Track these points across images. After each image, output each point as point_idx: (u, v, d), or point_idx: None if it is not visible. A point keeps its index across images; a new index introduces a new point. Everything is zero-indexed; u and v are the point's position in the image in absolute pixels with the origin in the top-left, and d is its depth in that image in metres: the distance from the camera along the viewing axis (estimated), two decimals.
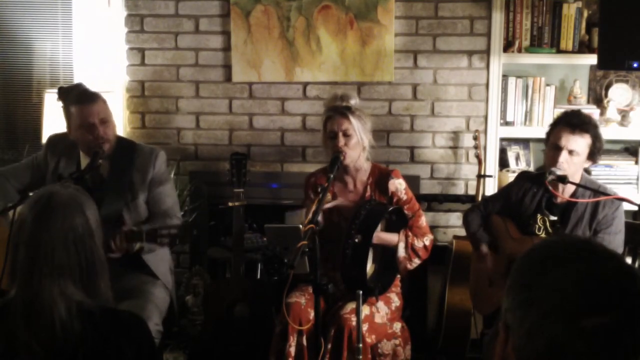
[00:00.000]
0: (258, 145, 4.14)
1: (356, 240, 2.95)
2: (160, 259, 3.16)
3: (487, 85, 3.98)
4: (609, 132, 3.81)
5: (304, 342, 2.99)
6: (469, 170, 4.04)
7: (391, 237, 3.14)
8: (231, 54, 4.06)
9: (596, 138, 2.99)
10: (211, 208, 4.04)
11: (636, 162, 3.95)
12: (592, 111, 3.84)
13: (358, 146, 3.13)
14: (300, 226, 2.57)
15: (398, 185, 3.19)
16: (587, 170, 3.20)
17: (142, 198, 3.15)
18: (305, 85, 4.07)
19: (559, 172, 2.99)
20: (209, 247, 4.01)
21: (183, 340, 3.84)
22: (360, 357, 2.58)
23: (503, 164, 4.06)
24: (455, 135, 4.03)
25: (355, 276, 2.98)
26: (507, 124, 4.01)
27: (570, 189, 3.06)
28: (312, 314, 2.90)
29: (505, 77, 3.98)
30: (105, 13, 4.08)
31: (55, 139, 3.26)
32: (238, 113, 4.14)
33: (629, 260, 3.27)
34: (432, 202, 4.06)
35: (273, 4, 3.99)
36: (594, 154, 3.01)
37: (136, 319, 1.91)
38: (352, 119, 3.10)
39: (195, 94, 4.15)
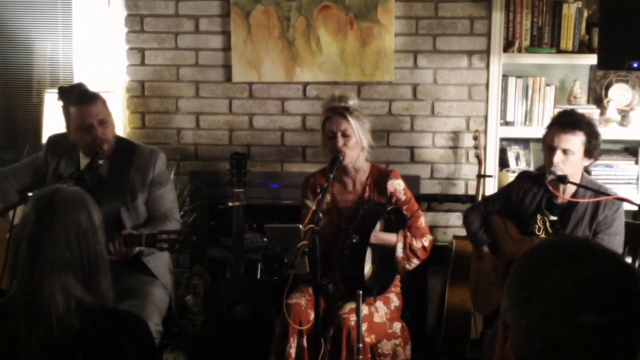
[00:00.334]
0: (258, 145, 4.14)
1: (354, 240, 2.95)
2: (159, 260, 3.17)
3: (487, 85, 3.98)
4: (609, 132, 3.81)
5: (305, 343, 2.99)
6: (469, 170, 4.04)
7: (390, 237, 3.14)
8: (231, 54, 4.06)
9: (591, 135, 2.98)
10: (211, 208, 4.04)
11: (636, 162, 3.95)
12: (592, 111, 3.84)
13: (357, 146, 3.13)
14: (300, 226, 2.57)
15: (397, 185, 3.19)
16: (587, 170, 3.19)
17: (141, 199, 3.15)
18: (305, 85, 4.07)
19: (558, 172, 2.99)
20: (209, 247, 4.01)
21: (183, 340, 3.84)
22: (360, 357, 2.58)
23: (503, 164, 4.06)
24: (455, 135, 4.04)
25: (353, 276, 2.98)
26: (507, 124, 4.01)
27: (570, 189, 3.06)
28: (312, 315, 2.90)
29: (505, 77, 3.98)
30: (105, 13, 4.08)
31: (55, 139, 3.26)
32: (238, 113, 4.14)
33: (629, 260, 3.27)
34: (432, 202, 4.06)
35: (273, 4, 3.99)
36: (590, 152, 3.00)
37: (136, 318, 1.91)
38: (350, 119, 3.10)
39: (195, 94, 4.15)
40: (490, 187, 3.96)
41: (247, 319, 3.39)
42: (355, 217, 3.00)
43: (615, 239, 3.00)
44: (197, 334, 3.78)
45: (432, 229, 3.92)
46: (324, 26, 3.99)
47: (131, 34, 4.13)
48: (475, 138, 3.86)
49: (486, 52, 3.96)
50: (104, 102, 3.10)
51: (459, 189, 4.07)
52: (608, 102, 3.95)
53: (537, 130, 3.94)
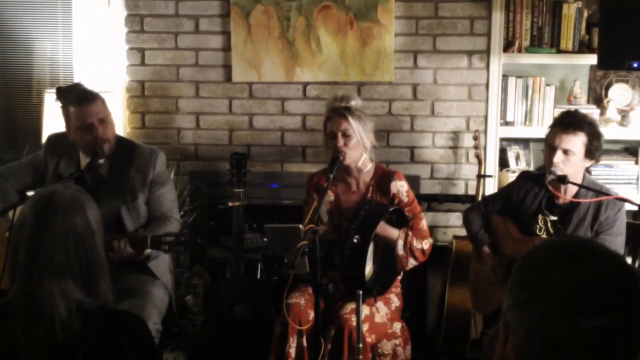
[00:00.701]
0: (258, 145, 4.14)
1: (355, 240, 2.95)
2: (159, 260, 3.16)
3: (487, 85, 3.98)
4: (609, 132, 3.81)
5: (304, 342, 2.99)
6: (469, 170, 4.04)
7: (393, 232, 3.13)
8: (231, 54, 4.06)
9: (592, 136, 2.97)
10: (211, 208, 4.04)
11: (636, 162, 3.95)
12: (592, 111, 3.84)
13: (358, 146, 3.12)
14: (300, 226, 2.57)
15: (400, 187, 3.18)
16: (587, 171, 3.19)
17: (141, 199, 3.15)
18: (305, 85, 4.07)
19: (558, 172, 2.99)
20: (209, 247, 4.01)
21: (183, 340, 3.84)
22: (360, 357, 2.58)
23: (503, 164, 4.06)
24: (455, 135, 4.04)
25: (353, 277, 2.98)
26: (507, 124, 4.01)
27: (572, 190, 3.06)
28: (312, 315, 2.90)
29: (505, 77, 3.98)
30: (105, 13, 4.08)
31: (54, 138, 3.26)
32: (238, 113, 4.14)
33: (629, 260, 3.27)
34: (432, 202, 4.06)
35: (273, 4, 3.99)
36: (591, 153, 2.99)
37: (136, 318, 1.91)
38: (351, 119, 3.09)
39: (195, 94, 4.14)
40: (490, 187, 3.96)
41: (247, 319, 3.39)
42: (357, 218, 3.00)
43: (616, 240, 2.99)
44: (197, 334, 3.78)
45: (432, 229, 3.92)
46: (324, 26, 3.99)
47: (131, 34, 4.13)
48: (475, 138, 3.86)
49: (486, 52, 3.96)
50: (103, 101, 3.10)
51: (459, 189, 4.07)
52: (608, 102, 3.95)
53: (537, 130, 3.96)
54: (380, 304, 3.12)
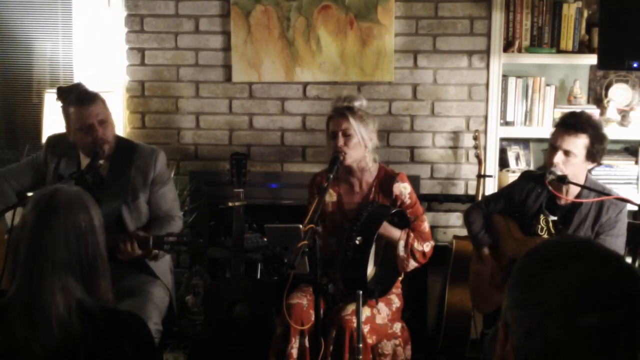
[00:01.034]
0: (258, 145, 4.14)
1: (357, 242, 2.95)
2: (160, 259, 3.16)
3: (487, 85, 3.98)
4: (609, 132, 3.77)
5: (306, 343, 2.99)
6: (469, 170, 4.04)
7: (395, 232, 3.12)
8: (231, 54, 4.06)
9: (594, 138, 2.95)
10: (211, 208, 4.04)
11: (636, 162, 3.95)
12: (592, 111, 3.84)
13: (359, 147, 3.12)
14: (300, 226, 2.57)
15: (402, 189, 3.18)
16: (588, 171, 3.18)
17: (143, 199, 3.16)
18: (305, 85, 4.07)
19: (558, 172, 2.99)
20: (209, 247, 4.01)
21: (183, 340, 3.84)
22: (360, 357, 2.58)
23: (503, 164, 4.06)
24: (455, 135, 4.04)
25: (355, 278, 2.98)
26: (507, 124, 4.01)
27: (574, 190, 3.05)
28: (313, 315, 2.90)
29: (505, 77, 3.98)
30: (105, 13, 4.08)
31: (54, 139, 3.26)
32: (238, 113, 4.14)
33: (629, 260, 3.27)
34: (432, 202, 4.06)
35: (273, 4, 3.99)
36: (593, 155, 2.97)
37: (136, 318, 1.91)
38: (352, 119, 3.09)
39: (195, 94, 4.14)
40: (490, 187, 3.96)
41: (247, 319, 3.39)
42: (359, 219, 3.00)
43: (617, 241, 2.99)
44: (197, 334, 3.78)
45: (432, 229, 3.91)
46: (324, 26, 3.99)
47: (131, 34, 4.13)
48: (475, 138, 3.86)
49: (486, 52, 3.96)
50: (103, 101, 3.10)
51: (459, 189, 4.07)
52: (608, 102, 3.95)
53: (537, 130, 3.96)
54: (381, 305, 3.11)
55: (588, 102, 4.03)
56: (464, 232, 3.94)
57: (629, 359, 1.00)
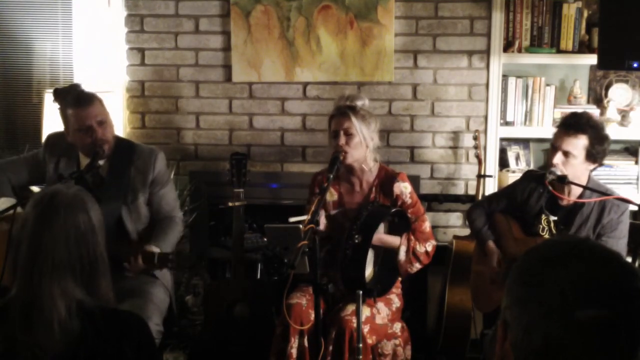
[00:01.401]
0: (258, 145, 4.14)
1: (356, 240, 2.95)
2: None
3: (487, 85, 3.98)
4: (609, 132, 3.79)
5: (305, 343, 2.99)
6: (469, 170, 4.04)
7: (393, 240, 3.14)
8: (231, 54, 4.06)
9: (595, 139, 2.94)
10: (211, 208, 4.04)
11: (636, 162, 3.95)
12: (592, 111, 3.83)
13: (361, 146, 3.12)
14: (300, 226, 2.57)
15: (403, 188, 3.18)
16: None
17: (142, 199, 3.15)
18: (305, 85, 4.07)
19: (558, 172, 2.99)
20: (209, 247, 4.01)
21: (183, 340, 3.84)
22: (360, 357, 2.58)
23: (503, 164, 4.06)
24: (455, 135, 4.03)
25: (354, 277, 2.98)
26: (507, 124, 4.01)
27: (576, 191, 3.05)
28: (313, 315, 2.90)
29: (505, 77, 3.98)
30: (105, 13, 4.08)
31: (53, 138, 3.25)
32: (238, 113, 4.14)
33: (629, 259, 3.26)
34: (432, 202, 4.06)
35: (273, 4, 3.99)
36: (593, 156, 2.96)
37: (136, 319, 1.91)
38: (354, 118, 3.10)
39: (195, 94, 4.14)
40: (490, 187, 3.96)
41: (247, 319, 3.39)
42: (359, 218, 3.00)
43: (618, 243, 2.99)
44: (197, 334, 3.78)
45: (432, 229, 3.91)
46: (324, 26, 3.99)
47: (131, 34, 4.13)
48: (475, 138, 3.86)
49: (486, 52, 3.96)
50: (101, 102, 3.09)
51: (459, 189, 4.07)
52: (608, 102, 3.95)
53: (537, 130, 3.96)
54: (381, 305, 3.11)
55: (588, 102, 4.03)
56: (464, 232, 3.95)
57: (628, 357, 1.00)
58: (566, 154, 2.96)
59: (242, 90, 4.11)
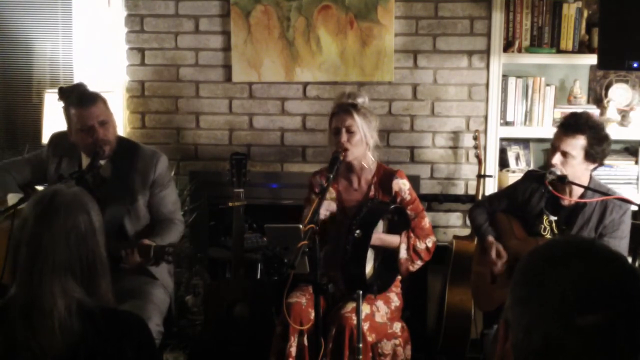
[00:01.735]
0: (258, 145, 4.14)
1: (356, 235, 2.95)
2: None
3: (487, 85, 3.98)
4: (609, 132, 3.80)
5: (305, 342, 3.00)
6: (469, 170, 4.04)
7: (392, 239, 3.14)
8: (231, 54, 4.06)
9: (593, 139, 2.93)
10: (211, 208, 4.04)
11: (636, 162, 3.95)
12: (592, 111, 3.83)
13: (361, 144, 3.13)
14: (300, 226, 2.57)
15: (402, 185, 3.19)
16: None
17: (142, 201, 3.15)
18: (305, 85, 4.07)
19: (558, 172, 2.99)
20: (209, 247, 4.01)
21: (183, 340, 3.84)
22: (361, 357, 2.58)
23: (503, 164, 4.06)
24: (455, 135, 4.04)
25: (354, 273, 2.98)
26: (507, 124, 4.01)
27: (577, 191, 3.05)
28: (312, 314, 2.90)
29: (505, 77, 3.98)
30: (105, 13, 4.08)
31: (56, 138, 3.25)
32: (238, 113, 4.14)
33: (629, 259, 3.26)
34: (432, 202, 4.06)
35: (273, 4, 3.99)
36: (592, 156, 2.95)
37: (136, 319, 1.91)
38: (356, 116, 3.10)
39: (195, 94, 4.14)
40: (490, 187, 3.96)
41: (247, 319, 3.39)
42: (359, 214, 3.01)
43: (620, 243, 2.99)
44: (197, 334, 3.78)
45: (432, 229, 3.91)
46: (324, 26, 3.99)
47: (131, 34, 4.13)
48: (475, 138, 3.86)
49: (486, 52, 3.96)
50: (104, 102, 3.09)
51: (459, 189, 4.07)
52: (608, 102, 3.95)
53: (537, 130, 3.96)
54: (380, 303, 3.12)
55: (588, 102, 4.03)
56: (464, 232, 3.95)
57: (629, 358, 1.00)
58: (565, 154, 2.96)
59: (242, 90, 4.11)
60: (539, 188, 3.13)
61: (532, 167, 4.03)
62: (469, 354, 3.77)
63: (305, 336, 3.00)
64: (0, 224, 2.89)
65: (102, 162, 3.01)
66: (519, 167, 4.01)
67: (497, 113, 3.98)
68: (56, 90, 3.16)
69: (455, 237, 3.86)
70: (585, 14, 3.93)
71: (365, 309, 2.97)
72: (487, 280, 3.25)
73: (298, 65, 4.03)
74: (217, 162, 4.11)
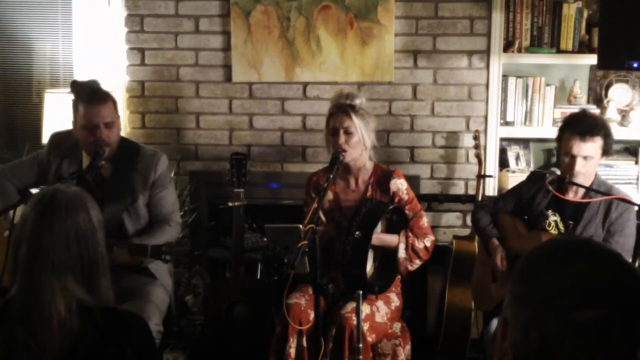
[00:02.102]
0: (258, 145, 4.14)
1: (356, 235, 2.95)
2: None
3: (487, 85, 3.98)
4: None
5: (304, 343, 2.99)
6: (469, 170, 4.04)
7: (391, 239, 3.14)
8: (231, 54, 4.06)
9: (607, 137, 2.99)
10: (211, 208, 4.04)
11: (636, 162, 3.95)
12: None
13: (359, 145, 3.13)
14: (300, 226, 2.57)
15: (400, 185, 3.19)
16: None
17: (142, 201, 3.15)
18: (305, 85, 4.07)
19: (558, 172, 3.00)
20: (209, 247, 4.01)
21: (183, 340, 3.84)
22: (360, 357, 2.58)
23: (503, 164, 4.06)
24: (455, 135, 4.03)
25: (354, 273, 2.98)
26: (507, 124, 4.01)
27: (581, 189, 3.06)
28: (312, 315, 2.90)
29: (505, 77, 3.98)
30: (105, 13, 4.08)
31: (57, 138, 3.25)
32: (238, 113, 4.14)
33: (630, 259, 3.26)
34: (432, 202, 4.06)
35: (273, 4, 3.99)
36: (607, 151, 3.02)
37: (136, 318, 1.91)
38: (354, 117, 3.10)
39: (195, 94, 4.14)
40: (490, 187, 3.96)
41: (247, 319, 3.39)
42: (358, 214, 3.01)
43: (629, 241, 3.02)
44: (197, 334, 3.78)
45: (432, 229, 3.91)
46: (324, 26, 3.99)
47: (131, 34, 4.13)
48: (475, 138, 3.86)
49: (486, 52, 3.96)
50: (114, 103, 3.09)
51: (459, 189, 4.07)
52: (608, 102, 3.95)
53: (537, 130, 3.96)
54: (380, 303, 3.12)
55: (588, 102, 4.03)
56: (464, 232, 3.95)
57: (625, 356, 1.00)
58: (586, 158, 2.98)
59: (242, 90, 4.11)
60: (544, 186, 3.14)
61: (532, 167, 4.04)
62: (469, 354, 3.77)
63: (305, 337, 3.00)
64: None
65: (102, 162, 3.01)
66: (519, 167, 4.01)
67: (497, 113, 3.98)
68: (56, 90, 3.16)
69: (455, 237, 3.86)
70: (585, 14, 3.93)
71: (365, 309, 2.97)
72: (488, 280, 3.25)
73: (298, 65, 4.03)
74: (217, 162, 4.11)
